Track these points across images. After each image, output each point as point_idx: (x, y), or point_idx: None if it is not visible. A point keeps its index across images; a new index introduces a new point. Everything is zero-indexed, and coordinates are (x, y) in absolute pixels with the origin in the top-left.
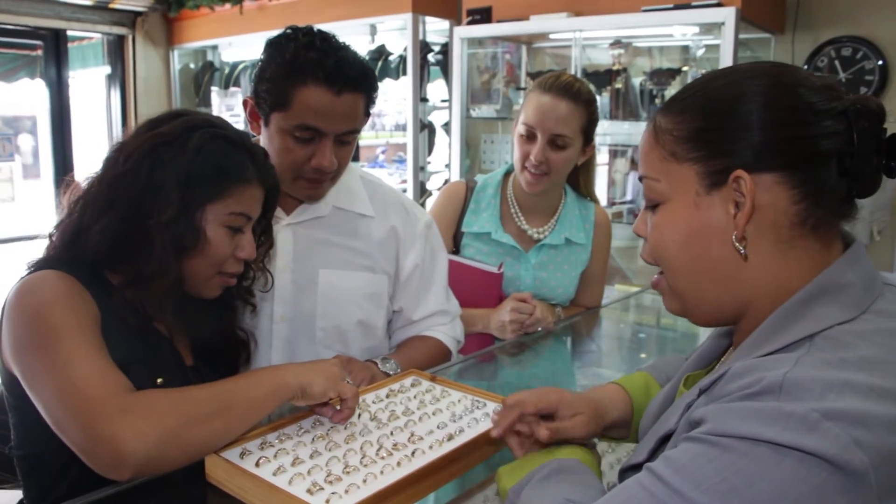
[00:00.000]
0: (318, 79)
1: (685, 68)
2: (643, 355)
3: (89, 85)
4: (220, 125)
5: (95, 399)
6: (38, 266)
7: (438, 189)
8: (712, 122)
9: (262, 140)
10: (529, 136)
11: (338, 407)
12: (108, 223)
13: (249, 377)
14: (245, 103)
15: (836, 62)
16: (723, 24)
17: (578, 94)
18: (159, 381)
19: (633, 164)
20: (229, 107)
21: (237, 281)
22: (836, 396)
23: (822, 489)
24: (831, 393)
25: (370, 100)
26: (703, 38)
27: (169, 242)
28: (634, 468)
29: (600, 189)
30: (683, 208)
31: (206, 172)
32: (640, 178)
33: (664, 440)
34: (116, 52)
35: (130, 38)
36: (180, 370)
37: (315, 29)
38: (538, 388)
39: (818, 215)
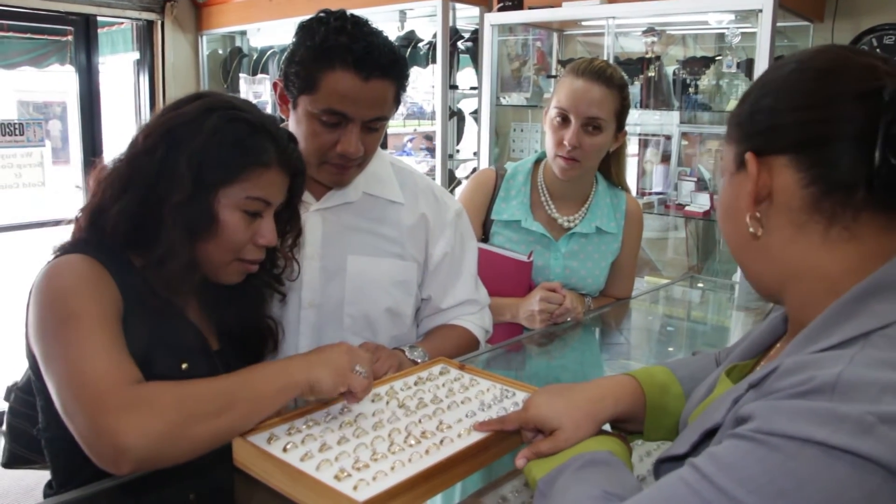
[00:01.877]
0: (346, 63)
1: (719, 57)
2: (671, 349)
3: (118, 71)
4: (242, 107)
5: (101, 391)
6: (66, 250)
7: (467, 177)
8: (743, 106)
9: (291, 124)
10: (563, 120)
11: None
12: (125, 204)
13: (257, 372)
14: (275, 86)
15: (878, 51)
16: (760, 11)
17: (611, 78)
18: (184, 365)
19: (666, 156)
20: (257, 93)
21: (264, 268)
22: (892, 399)
23: (874, 495)
24: (888, 395)
25: (400, 87)
26: (740, 25)
27: (180, 224)
28: (673, 460)
29: (631, 179)
30: (727, 185)
31: (221, 154)
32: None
33: (708, 434)
34: (145, 38)
35: (159, 23)
36: (206, 355)
37: (348, 13)
38: (528, 400)
39: (834, 200)
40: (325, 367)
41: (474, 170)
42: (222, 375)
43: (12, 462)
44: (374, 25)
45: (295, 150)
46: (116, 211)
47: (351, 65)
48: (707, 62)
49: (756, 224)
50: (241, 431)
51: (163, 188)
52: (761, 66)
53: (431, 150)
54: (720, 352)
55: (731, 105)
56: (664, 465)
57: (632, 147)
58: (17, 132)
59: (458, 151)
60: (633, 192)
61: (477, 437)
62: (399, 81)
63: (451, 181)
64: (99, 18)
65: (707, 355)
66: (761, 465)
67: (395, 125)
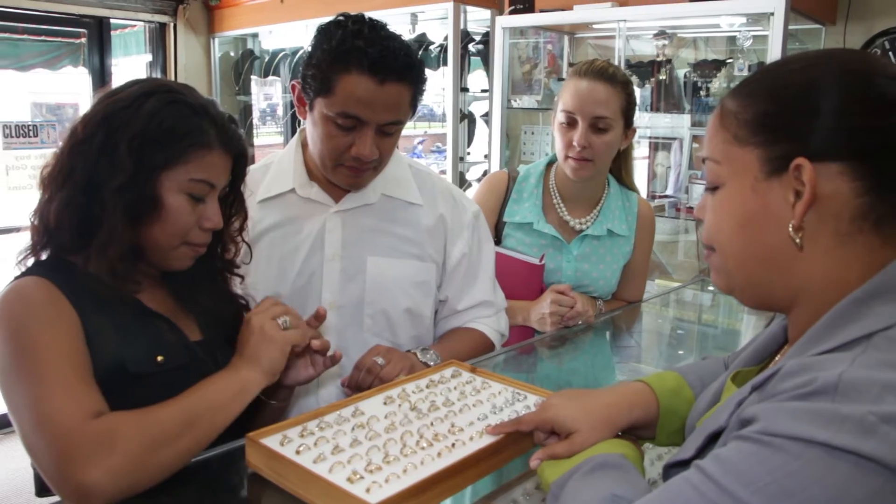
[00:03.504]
0: (361, 67)
1: (730, 60)
2: (682, 352)
3: (131, 73)
4: (179, 90)
5: (62, 431)
6: (23, 265)
7: (478, 180)
8: (778, 107)
9: (307, 126)
10: (570, 123)
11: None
12: (66, 195)
13: (210, 385)
14: (293, 88)
15: (891, 54)
16: (772, 14)
17: (614, 76)
18: (159, 358)
19: (676, 159)
20: (267, 95)
21: (215, 254)
22: (894, 399)
23: (877, 495)
24: (889, 395)
25: (417, 92)
26: (751, 28)
27: (121, 208)
28: (681, 465)
29: (642, 182)
30: (741, 192)
31: (161, 137)
32: (704, 160)
33: (713, 438)
34: (158, 40)
35: (172, 26)
36: (183, 346)
37: (366, 17)
38: (544, 402)
39: (881, 210)
40: (263, 346)
41: (485, 172)
42: (180, 395)
43: (44, 490)
44: (391, 30)
45: (235, 132)
46: (58, 203)
47: (366, 68)
48: (718, 65)
49: (800, 234)
50: (206, 445)
51: (103, 174)
52: None
53: (442, 152)
54: (729, 356)
55: None
56: (672, 469)
57: (642, 150)
58: (31, 134)
59: (468, 154)
60: (644, 194)
61: (489, 440)
62: (415, 86)
63: (462, 184)
64: (112, 21)
65: (716, 359)
66: (765, 466)
67: (406, 127)
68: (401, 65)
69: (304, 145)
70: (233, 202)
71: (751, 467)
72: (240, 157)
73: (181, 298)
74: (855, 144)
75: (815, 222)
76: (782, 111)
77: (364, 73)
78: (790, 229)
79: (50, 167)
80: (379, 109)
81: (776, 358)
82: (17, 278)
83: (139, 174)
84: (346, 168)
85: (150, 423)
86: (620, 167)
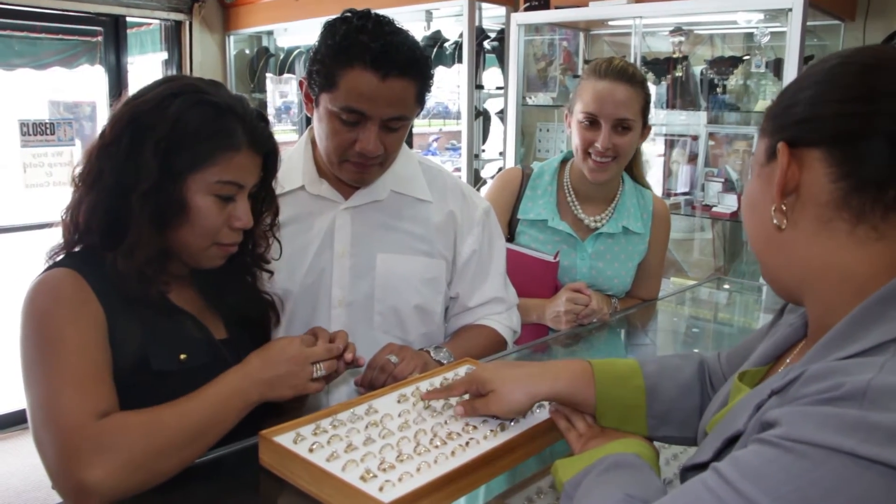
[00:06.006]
0: (364, 62)
1: (747, 56)
2: (697, 350)
3: (147, 71)
4: (206, 90)
5: (68, 427)
6: (53, 260)
7: (492, 177)
8: (779, 100)
9: (314, 122)
10: (591, 124)
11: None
12: (95, 197)
13: (218, 397)
14: (301, 84)
15: None
16: (790, 10)
17: (634, 76)
18: (183, 356)
19: (692, 156)
20: (283, 93)
21: (245, 249)
22: None
23: None
24: None
25: (423, 87)
26: (769, 25)
27: (147, 213)
28: (697, 468)
29: (657, 179)
30: (755, 177)
31: (186, 140)
32: None
33: (731, 441)
34: (174, 38)
35: (187, 24)
36: (208, 344)
37: (372, 13)
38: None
39: (864, 198)
40: (285, 383)
41: (500, 170)
42: (188, 398)
43: None
44: (399, 25)
45: (264, 130)
46: (87, 205)
47: (368, 63)
48: (735, 62)
49: (781, 216)
50: (199, 457)
51: (130, 178)
52: (790, 65)
53: (457, 150)
54: (720, 353)
55: (760, 105)
56: (689, 472)
57: (658, 147)
58: (48, 132)
59: (483, 151)
60: (659, 192)
61: (503, 439)
62: (420, 81)
63: (477, 181)
64: (128, 19)
65: (687, 356)
66: (786, 473)
67: (420, 124)
68: (403, 59)
69: (313, 143)
70: (264, 198)
71: (771, 473)
72: (270, 155)
73: (209, 296)
74: (825, 130)
75: (797, 207)
76: (781, 102)
77: (366, 68)
78: (772, 210)
79: (81, 166)
80: (382, 104)
81: (787, 360)
82: (48, 269)
83: (165, 178)
84: (351, 164)
85: (156, 429)
86: (632, 164)
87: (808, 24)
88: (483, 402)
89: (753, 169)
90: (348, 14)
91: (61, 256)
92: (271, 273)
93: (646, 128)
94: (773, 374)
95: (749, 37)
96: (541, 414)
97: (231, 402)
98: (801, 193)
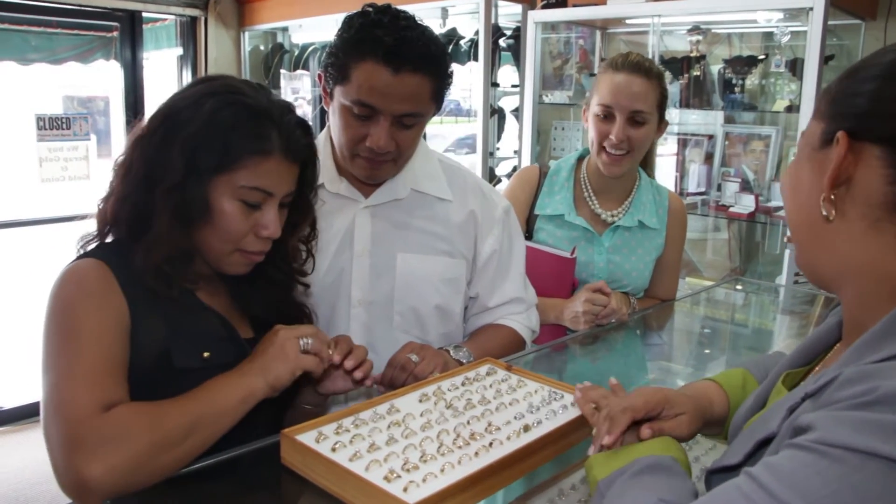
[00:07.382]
0: (376, 56)
1: (766, 56)
2: (713, 352)
3: (162, 66)
4: (245, 92)
5: (74, 419)
6: (84, 250)
7: (507, 175)
8: (841, 84)
9: (329, 115)
10: (606, 117)
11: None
12: (125, 188)
13: (218, 388)
14: (319, 77)
15: None
16: (811, 9)
17: (650, 70)
18: (206, 354)
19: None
20: (295, 89)
21: (282, 261)
22: None
23: None
24: None
25: (440, 85)
26: (789, 24)
27: (169, 210)
28: (725, 470)
29: (671, 178)
30: (804, 160)
31: (215, 141)
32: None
33: (763, 444)
34: (189, 34)
35: (203, 19)
36: (234, 343)
37: (391, 7)
38: (641, 388)
39: None
40: (276, 361)
41: (514, 168)
42: (190, 394)
43: None
44: (419, 21)
45: (302, 139)
46: (118, 195)
47: (381, 57)
48: (753, 61)
49: (830, 207)
50: (204, 450)
51: (157, 173)
52: (810, 65)
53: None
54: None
55: (778, 105)
56: (716, 475)
57: (672, 146)
58: (64, 126)
59: (498, 149)
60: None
61: (527, 439)
62: (436, 78)
63: (492, 179)
64: (144, 14)
65: (782, 354)
66: (822, 478)
67: (433, 122)
68: (417, 54)
69: (332, 141)
70: (299, 209)
71: (807, 478)
72: (307, 164)
73: (239, 297)
74: (888, 129)
75: (847, 201)
76: (840, 88)
77: (379, 62)
78: (821, 199)
79: (121, 157)
80: (394, 99)
81: (825, 359)
82: (79, 258)
83: (190, 177)
84: (362, 159)
85: (158, 424)
86: (644, 160)
87: (829, 23)
88: (673, 424)
89: (803, 150)
90: (368, 8)
91: (92, 246)
92: (307, 286)
93: (662, 122)
94: (813, 374)
95: (768, 36)
96: (564, 415)
97: (229, 388)
98: (852, 187)
